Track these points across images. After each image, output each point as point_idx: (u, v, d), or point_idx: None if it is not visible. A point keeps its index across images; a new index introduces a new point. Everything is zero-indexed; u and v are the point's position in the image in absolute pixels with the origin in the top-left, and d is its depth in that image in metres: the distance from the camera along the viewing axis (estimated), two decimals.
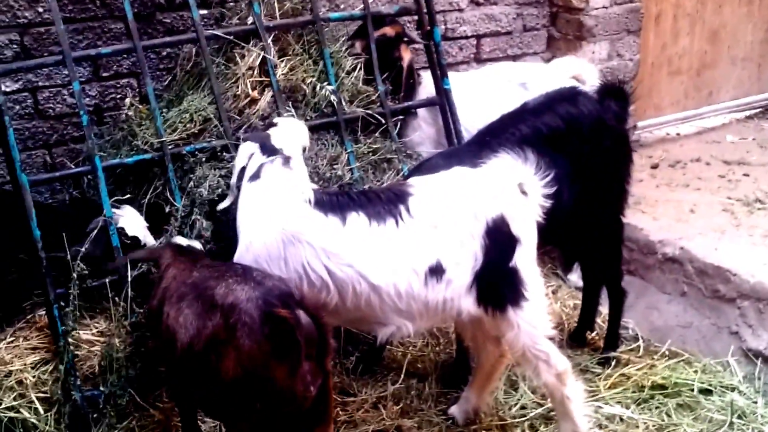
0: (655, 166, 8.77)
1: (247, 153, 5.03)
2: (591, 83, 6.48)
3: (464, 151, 5.64)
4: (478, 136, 5.88)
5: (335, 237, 4.73)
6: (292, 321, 3.99)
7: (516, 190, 4.87)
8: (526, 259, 4.88)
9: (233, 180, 5.10)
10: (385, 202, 4.79)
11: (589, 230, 6.03)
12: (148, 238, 5.73)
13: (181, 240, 5.10)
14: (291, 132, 5.23)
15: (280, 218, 4.79)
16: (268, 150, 5.00)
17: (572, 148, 5.52)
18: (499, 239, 4.77)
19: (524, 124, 5.62)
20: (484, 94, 6.78)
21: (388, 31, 6.72)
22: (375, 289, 4.70)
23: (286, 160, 4.99)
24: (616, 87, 5.99)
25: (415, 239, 4.72)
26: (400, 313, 4.79)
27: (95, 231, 5.53)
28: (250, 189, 4.94)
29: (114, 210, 5.62)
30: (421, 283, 4.72)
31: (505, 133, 5.58)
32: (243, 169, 5.02)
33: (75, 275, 5.42)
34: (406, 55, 6.75)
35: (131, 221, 5.69)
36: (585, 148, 5.64)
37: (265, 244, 4.74)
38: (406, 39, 6.80)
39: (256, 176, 4.94)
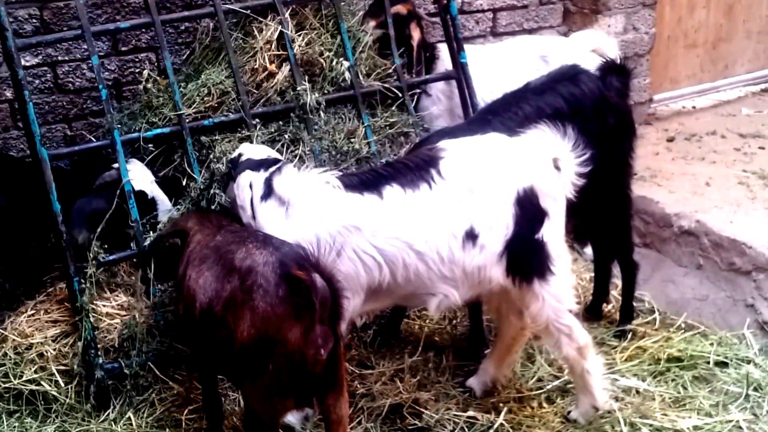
0: (671, 140, 8.78)
1: (247, 183, 4.99)
2: (611, 56, 6.48)
3: (465, 129, 5.58)
4: (480, 114, 5.92)
5: (377, 214, 4.74)
6: (309, 282, 4.02)
7: (550, 164, 4.91)
8: (553, 234, 4.92)
9: (246, 219, 4.98)
10: (415, 169, 4.81)
11: (596, 206, 6.03)
12: (155, 192, 5.76)
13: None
14: (260, 149, 5.27)
15: (321, 213, 4.77)
16: (259, 164, 5.03)
17: (576, 126, 5.43)
18: (528, 210, 4.81)
19: (527, 103, 5.63)
20: (505, 66, 6.81)
21: (401, 9, 6.72)
22: (421, 257, 4.73)
23: (279, 165, 5.02)
24: (617, 64, 6.01)
25: (449, 200, 4.75)
26: (445, 280, 4.82)
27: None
28: (269, 205, 4.90)
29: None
30: (459, 247, 4.75)
31: (508, 111, 5.61)
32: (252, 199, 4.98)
33: (91, 255, 5.49)
34: (416, 34, 6.76)
35: (137, 175, 5.69)
36: (588, 126, 5.60)
37: (311, 244, 4.61)
38: (417, 17, 6.82)
39: (267, 194, 4.92)
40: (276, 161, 5.09)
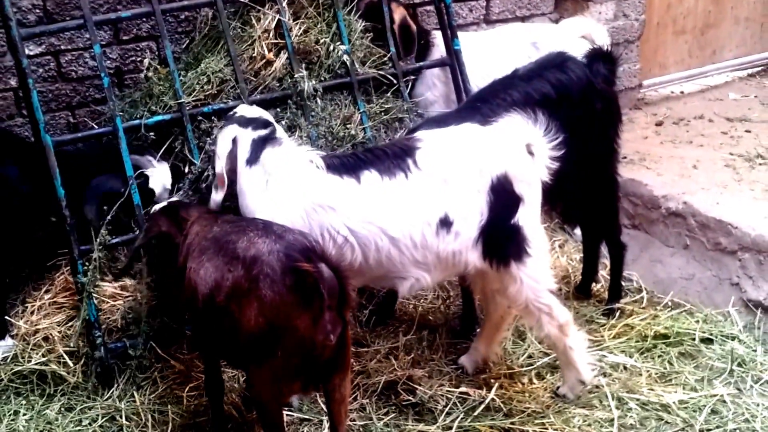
0: (659, 124, 8.88)
1: (230, 137, 5.10)
2: (600, 43, 6.59)
3: (453, 116, 5.68)
4: (469, 102, 6.03)
5: (354, 197, 4.87)
6: (316, 274, 4.12)
7: (523, 149, 5.01)
8: (529, 218, 5.03)
9: (220, 168, 5.09)
10: (393, 157, 4.94)
11: (584, 189, 6.19)
12: (163, 196, 5.85)
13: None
14: (255, 109, 5.36)
15: (299, 189, 4.90)
16: (249, 122, 5.13)
17: (563, 112, 5.57)
18: (502, 196, 4.93)
19: (515, 89, 5.73)
20: (497, 53, 6.90)
21: None
22: (394, 242, 4.86)
23: (272, 133, 5.13)
24: (604, 51, 6.12)
25: (424, 190, 4.87)
26: (418, 265, 4.96)
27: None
28: (255, 172, 5.03)
29: (149, 158, 5.84)
30: (433, 234, 4.89)
31: (496, 98, 5.70)
32: (230, 155, 5.09)
33: (98, 240, 5.61)
34: (397, 16, 6.74)
35: (158, 176, 5.85)
36: (576, 111, 5.76)
37: (289, 217, 4.82)
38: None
39: (253, 160, 5.03)
40: (267, 123, 5.18)
